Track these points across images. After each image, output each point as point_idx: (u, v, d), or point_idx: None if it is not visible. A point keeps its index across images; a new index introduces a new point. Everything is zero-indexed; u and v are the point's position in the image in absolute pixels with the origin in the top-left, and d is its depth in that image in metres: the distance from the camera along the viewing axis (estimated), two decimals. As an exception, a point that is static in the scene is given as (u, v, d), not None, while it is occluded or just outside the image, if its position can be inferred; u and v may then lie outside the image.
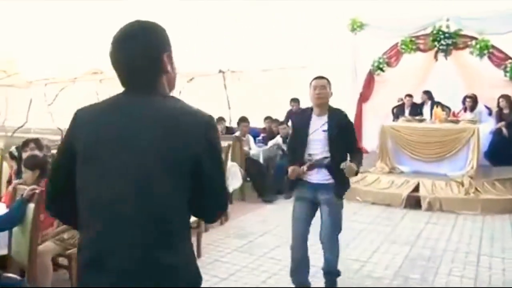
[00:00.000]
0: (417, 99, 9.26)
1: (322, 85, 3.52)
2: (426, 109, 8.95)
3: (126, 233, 1.41)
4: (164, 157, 1.41)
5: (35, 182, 3.87)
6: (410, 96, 9.12)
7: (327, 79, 3.58)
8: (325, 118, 3.53)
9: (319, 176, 3.54)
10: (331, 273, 3.66)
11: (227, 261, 4.71)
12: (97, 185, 1.44)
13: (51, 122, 16.06)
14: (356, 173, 3.52)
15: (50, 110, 16.10)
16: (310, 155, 3.54)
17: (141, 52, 1.51)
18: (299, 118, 3.96)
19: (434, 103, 8.65)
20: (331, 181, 3.51)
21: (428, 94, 9.07)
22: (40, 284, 3.45)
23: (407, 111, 9.06)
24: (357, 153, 3.60)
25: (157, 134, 1.43)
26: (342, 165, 3.33)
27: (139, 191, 1.40)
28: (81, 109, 1.58)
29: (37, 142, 5.13)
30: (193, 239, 4.74)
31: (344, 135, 3.50)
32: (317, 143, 3.52)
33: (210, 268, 4.50)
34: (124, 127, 1.45)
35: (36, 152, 4.64)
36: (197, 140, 1.46)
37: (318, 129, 3.51)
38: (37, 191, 3.29)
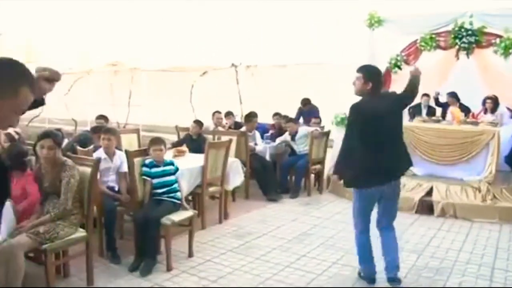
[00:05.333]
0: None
1: (354, 78, 3.81)
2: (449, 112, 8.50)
3: None
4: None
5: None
6: (427, 95, 8.71)
7: (360, 72, 3.75)
8: None
9: None
10: None
11: (219, 262, 4.42)
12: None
13: (66, 112, 16.08)
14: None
15: (65, 101, 16.09)
16: None
17: None
18: None
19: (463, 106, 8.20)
20: None
21: (454, 96, 8.56)
22: (10, 281, 3.21)
23: (424, 111, 8.66)
24: None
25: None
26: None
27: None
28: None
29: None
30: (185, 238, 4.52)
31: None
32: None
33: (201, 269, 4.23)
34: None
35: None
36: None
37: None
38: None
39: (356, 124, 3.72)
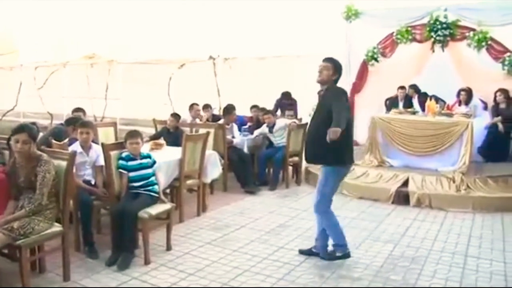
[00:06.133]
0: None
1: (321, 67, 4.04)
2: (414, 103, 8.72)
3: None
4: None
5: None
6: (403, 88, 8.84)
7: (330, 62, 4.01)
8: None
9: None
10: None
11: (197, 255, 4.43)
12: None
13: (41, 105, 15.75)
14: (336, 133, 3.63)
15: (40, 94, 15.76)
16: None
17: None
18: None
19: (423, 96, 8.41)
20: None
21: (414, 87, 8.84)
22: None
23: (401, 104, 8.78)
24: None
25: None
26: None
27: None
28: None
29: None
30: (162, 231, 4.50)
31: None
32: None
33: (179, 262, 4.22)
34: None
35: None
36: None
37: None
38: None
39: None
